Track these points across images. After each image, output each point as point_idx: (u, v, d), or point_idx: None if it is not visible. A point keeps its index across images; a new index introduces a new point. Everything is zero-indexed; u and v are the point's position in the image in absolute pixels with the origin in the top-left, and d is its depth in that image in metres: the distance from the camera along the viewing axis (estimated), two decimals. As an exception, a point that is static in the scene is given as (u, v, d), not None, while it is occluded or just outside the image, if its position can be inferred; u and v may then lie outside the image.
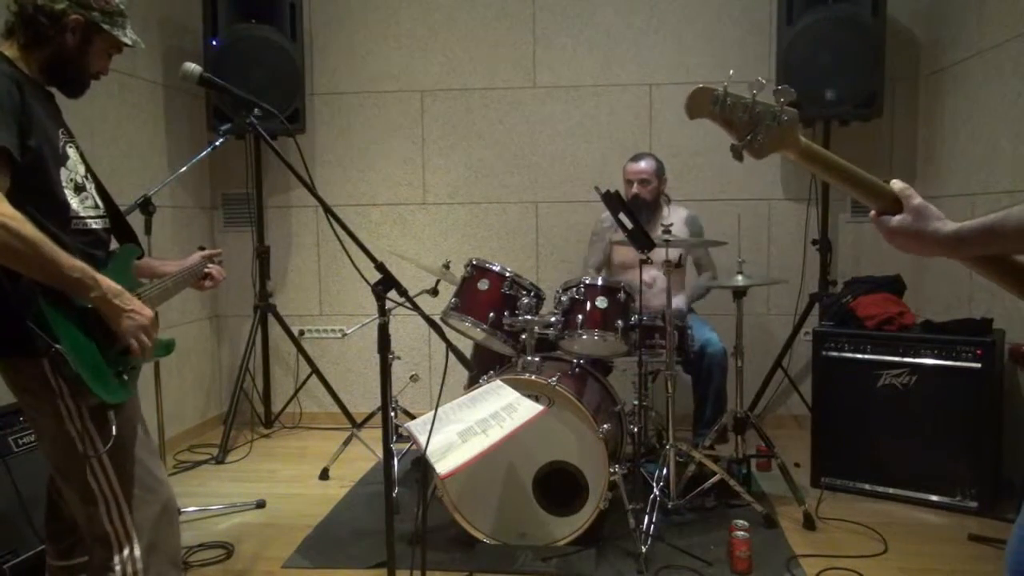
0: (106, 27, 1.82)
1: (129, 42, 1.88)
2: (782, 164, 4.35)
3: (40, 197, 1.70)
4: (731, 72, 1.16)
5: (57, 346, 1.62)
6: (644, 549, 2.66)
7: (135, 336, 1.74)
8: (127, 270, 1.96)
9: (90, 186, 1.89)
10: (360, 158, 4.59)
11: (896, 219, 1.16)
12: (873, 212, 1.20)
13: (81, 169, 1.87)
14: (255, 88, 3.82)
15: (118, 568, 1.77)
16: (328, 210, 1.87)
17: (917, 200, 1.16)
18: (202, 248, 2.29)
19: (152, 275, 2.09)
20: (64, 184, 1.77)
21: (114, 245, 2.00)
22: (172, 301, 2.32)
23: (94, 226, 1.86)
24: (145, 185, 3.18)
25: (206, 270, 2.23)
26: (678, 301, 3.36)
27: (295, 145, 1.96)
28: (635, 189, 3.67)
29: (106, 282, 1.69)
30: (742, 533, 2.63)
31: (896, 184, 1.18)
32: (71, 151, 1.84)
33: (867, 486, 3.32)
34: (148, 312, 1.77)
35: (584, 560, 2.68)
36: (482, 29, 4.47)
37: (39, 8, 1.74)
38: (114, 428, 1.75)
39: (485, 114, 4.51)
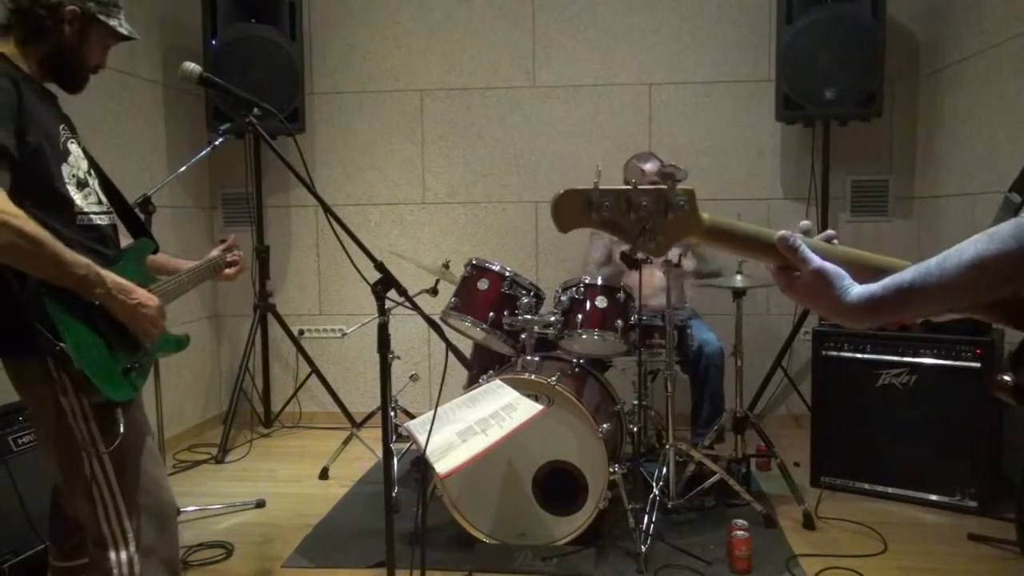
0: (102, 17, 1.81)
1: (125, 32, 1.87)
2: (782, 163, 4.35)
3: (41, 193, 1.69)
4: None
5: (61, 344, 1.62)
6: (644, 549, 2.66)
7: (142, 328, 1.76)
8: (140, 265, 1.95)
9: (93, 182, 1.88)
10: (359, 158, 4.59)
11: (800, 279, 1.00)
12: (771, 266, 1.03)
13: (84, 165, 1.85)
14: (255, 88, 3.81)
15: (115, 572, 1.76)
16: (327, 210, 1.87)
17: (815, 265, 0.97)
18: (223, 241, 2.28)
19: (168, 271, 2.08)
20: (66, 180, 1.76)
21: (128, 240, 2.00)
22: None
23: (98, 222, 1.84)
24: (145, 184, 3.17)
25: (229, 258, 2.21)
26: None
27: (294, 145, 1.96)
28: None
29: (111, 278, 1.69)
30: (742, 533, 2.63)
31: (789, 240, 0.99)
32: (72, 147, 1.82)
33: (866, 485, 3.32)
34: (154, 301, 1.78)
35: (584, 560, 2.68)
36: (481, 28, 4.47)
37: (35, 1, 1.73)
38: (121, 427, 1.74)
39: (485, 114, 4.50)
